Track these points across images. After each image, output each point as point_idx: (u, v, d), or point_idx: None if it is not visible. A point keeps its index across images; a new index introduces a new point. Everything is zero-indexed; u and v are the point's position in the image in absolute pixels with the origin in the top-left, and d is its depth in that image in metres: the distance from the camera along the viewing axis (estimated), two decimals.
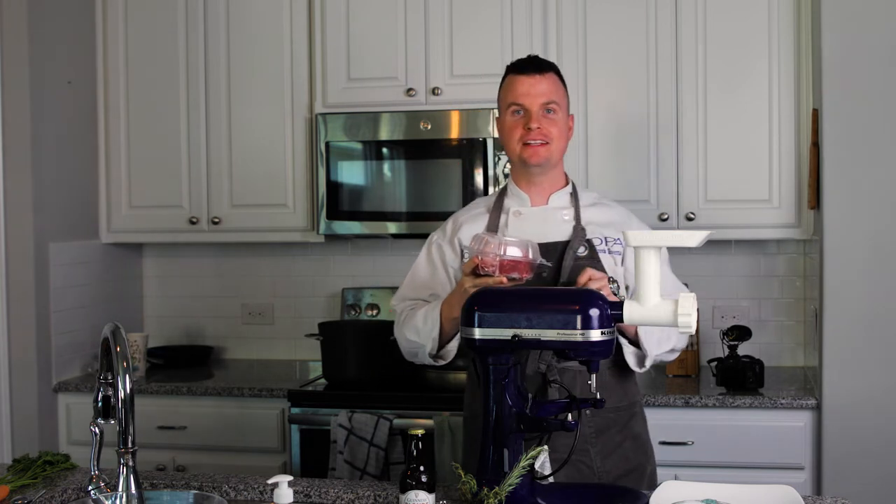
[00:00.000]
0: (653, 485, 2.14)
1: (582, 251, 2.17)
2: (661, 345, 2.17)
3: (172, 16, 3.56)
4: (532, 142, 2.19)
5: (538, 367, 2.11)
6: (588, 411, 2.11)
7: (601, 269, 2.16)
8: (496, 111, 2.34)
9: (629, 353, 2.16)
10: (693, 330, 1.70)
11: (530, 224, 2.24)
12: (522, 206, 2.27)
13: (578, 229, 2.22)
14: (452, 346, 2.21)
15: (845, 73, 2.94)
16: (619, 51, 3.29)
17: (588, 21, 3.30)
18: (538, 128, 2.18)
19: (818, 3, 3.02)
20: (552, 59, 3.22)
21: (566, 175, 2.33)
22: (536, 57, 2.29)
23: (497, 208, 2.29)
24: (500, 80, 2.29)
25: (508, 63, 2.30)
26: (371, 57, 3.40)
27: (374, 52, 3.39)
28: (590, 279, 2.00)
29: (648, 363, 2.17)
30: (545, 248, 2.14)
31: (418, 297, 2.32)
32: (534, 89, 2.20)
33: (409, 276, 2.37)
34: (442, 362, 2.26)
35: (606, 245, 2.22)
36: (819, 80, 3.02)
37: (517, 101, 2.21)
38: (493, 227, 2.26)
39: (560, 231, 2.22)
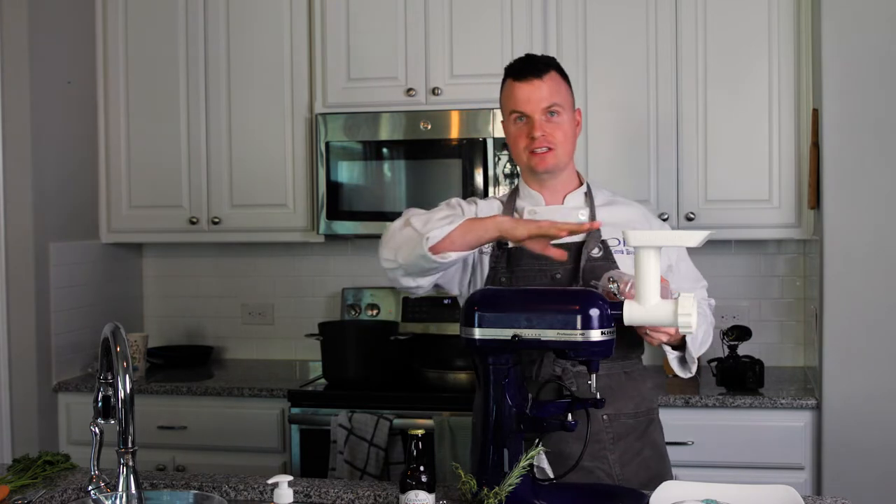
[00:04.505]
0: None
1: (596, 252, 2.12)
2: (702, 346, 2.14)
3: (172, 16, 3.56)
4: (537, 150, 2.13)
5: (553, 370, 2.08)
6: (605, 416, 2.09)
7: (615, 269, 2.13)
8: (497, 111, 2.31)
9: (673, 358, 2.12)
10: (693, 330, 1.70)
11: None
12: (537, 205, 2.21)
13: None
14: (453, 257, 1.98)
15: (845, 73, 2.94)
16: (619, 51, 3.29)
17: (588, 21, 3.30)
18: (542, 135, 2.12)
19: (818, 3, 3.02)
20: None
21: (579, 174, 2.27)
22: (533, 57, 2.19)
23: (509, 209, 2.23)
24: (500, 80, 2.26)
25: (506, 64, 2.22)
26: (371, 57, 3.40)
27: (374, 51, 3.39)
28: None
29: (693, 368, 2.13)
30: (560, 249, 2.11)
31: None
32: (534, 95, 2.12)
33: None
34: (434, 264, 1.99)
35: (624, 245, 2.17)
36: (819, 80, 3.02)
37: (517, 108, 2.14)
38: None
39: None
